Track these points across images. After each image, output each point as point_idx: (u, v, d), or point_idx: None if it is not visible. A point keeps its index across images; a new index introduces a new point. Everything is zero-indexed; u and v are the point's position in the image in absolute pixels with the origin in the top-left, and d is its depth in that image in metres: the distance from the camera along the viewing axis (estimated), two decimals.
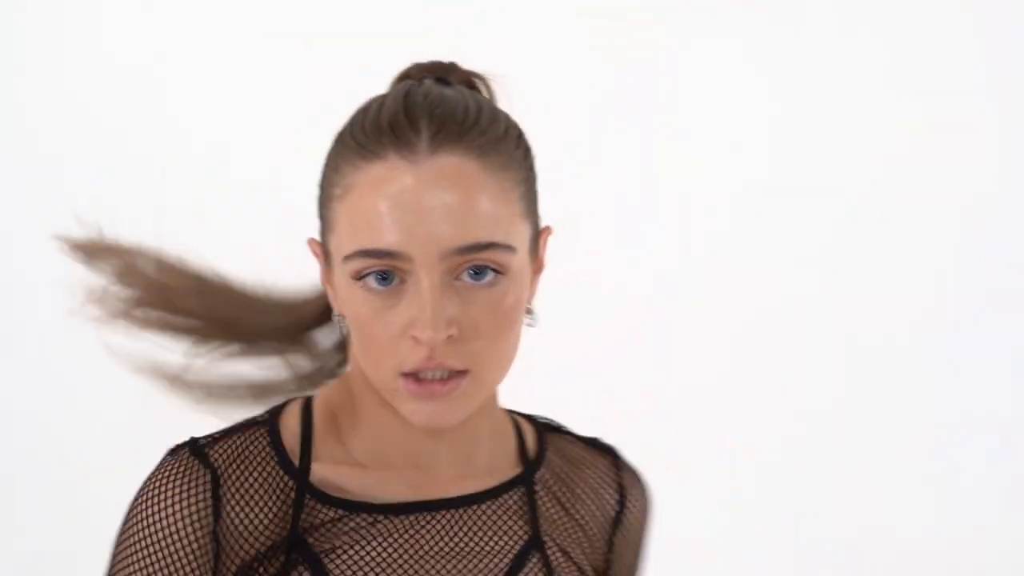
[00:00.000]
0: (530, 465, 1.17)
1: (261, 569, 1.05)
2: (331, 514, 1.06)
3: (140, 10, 2.60)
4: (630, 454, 2.49)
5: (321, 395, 1.14)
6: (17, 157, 2.62)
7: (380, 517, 1.07)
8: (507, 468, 1.15)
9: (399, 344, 1.00)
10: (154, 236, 2.38)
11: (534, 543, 1.13)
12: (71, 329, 2.60)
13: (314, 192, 1.09)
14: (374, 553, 1.06)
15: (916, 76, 2.58)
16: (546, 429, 1.22)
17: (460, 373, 1.01)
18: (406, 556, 1.07)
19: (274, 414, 1.12)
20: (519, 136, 1.07)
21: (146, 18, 2.60)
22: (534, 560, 1.12)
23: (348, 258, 1.01)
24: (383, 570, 1.06)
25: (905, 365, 2.61)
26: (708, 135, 2.61)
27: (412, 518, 1.08)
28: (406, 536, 1.08)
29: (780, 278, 2.59)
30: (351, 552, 1.06)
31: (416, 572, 1.07)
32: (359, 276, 1.01)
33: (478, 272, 1.01)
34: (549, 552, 1.13)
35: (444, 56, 1.12)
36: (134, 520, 1.06)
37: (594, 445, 1.24)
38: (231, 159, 2.60)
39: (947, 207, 2.60)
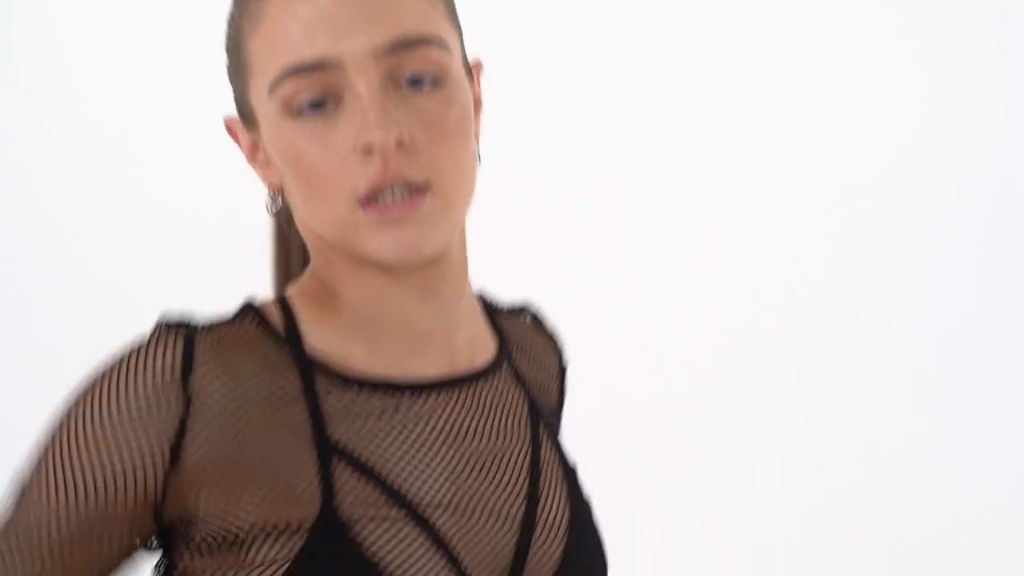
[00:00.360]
0: (502, 337, 1.11)
1: (289, 474, 0.92)
2: (350, 397, 0.96)
3: (146, 8, 2.60)
4: (636, 448, 2.49)
5: (293, 289, 1.03)
6: (22, 157, 2.62)
7: (404, 399, 0.98)
8: (488, 341, 1.08)
9: (348, 167, 0.92)
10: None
11: (535, 414, 1.07)
12: (74, 327, 2.61)
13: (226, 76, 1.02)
14: (412, 440, 0.97)
15: (917, 53, 2.58)
16: (484, 303, 1.15)
17: (420, 191, 0.93)
18: (442, 441, 0.98)
19: (248, 308, 1.00)
20: None
21: (151, 16, 2.60)
22: (541, 429, 1.07)
23: (275, 85, 0.93)
24: (427, 461, 0.97)
25: (903, 343, 2.61)
26: (704, 110, 2.61)
27: (434, 399, 0.99)
28: (435, 420, 0.99)
29: (778, 261, 2.59)
30: (388, 443, 0.96)
31: (455, 459, 0.98)
32: (290, 107, 0.93)
33: (418, 78, 0.94)
34: (544, 420, 1.09)
35: None
36: (90, 394, 0.93)
37: (522, 311, 1.18)
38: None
39: (943, 184, 2.59)
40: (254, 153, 1.01)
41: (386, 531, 0.93)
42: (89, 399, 0.93)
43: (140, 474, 0.91)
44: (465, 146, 0.97)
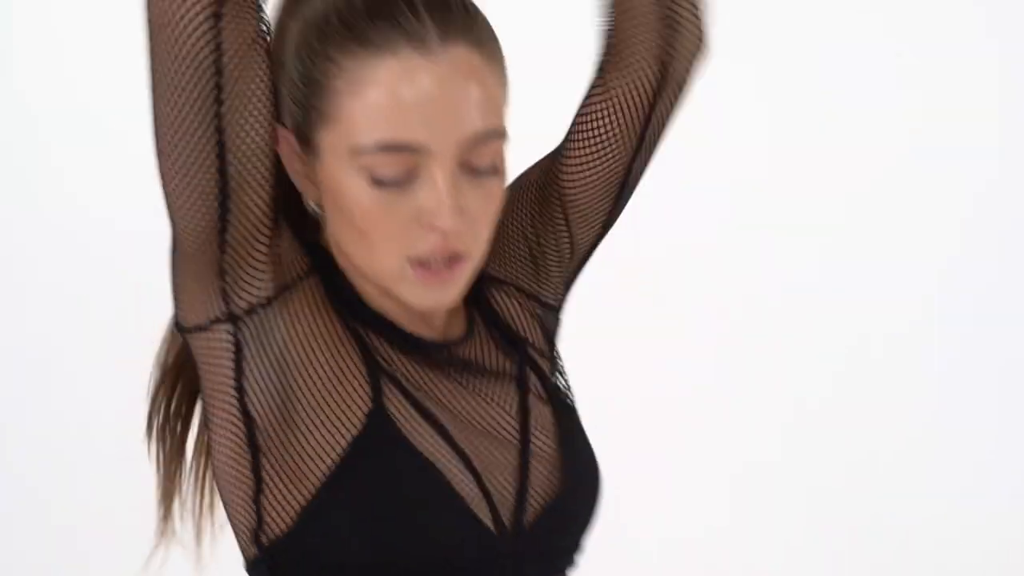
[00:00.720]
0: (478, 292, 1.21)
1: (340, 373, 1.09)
2: (385, 336, 1.12)
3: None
4: (628, 453, 2.50)
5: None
6: (19, 157, 2.62)
7: (416, 349, 1.13)
8: (460, 314, 1.20)
9: (409, 232, 1.05)
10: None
11: (520, 361, 1.19)
12: (73, 331, 2.61)
13: (288, 84, 1.09)
14: (426, 382, 1.12)
15: (920, 71, 2.58)
16: None
17: (460, 259, 1.07)
18: (442, 393, 1.13)
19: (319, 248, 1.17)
20: (490, 24, 1.11)
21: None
22: (528, 376, 1.19)
23: (363, 153, 1.04)
24: (440, 398, 1.12)
25: (905, 361, 2.62)
26: (704, 124, 2.61)
27: (432, 354, 1.14)
28: (435, 372, 1.14)
29: (778, 274, 2.59)
30: (414, 377, 1.12)
31: (457, 410, 1.13)
32: (370, 175, 1.04)
33: (481, 166, 1.07)
34: (529, 359, 1.20)
35: None
36: None
37: None
38: None
39: (948, 202, 2.59)
40: (294, 163, 1.10)
41: (427, 439, 1.08)
42: None
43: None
44: (496, 218, 1.11)
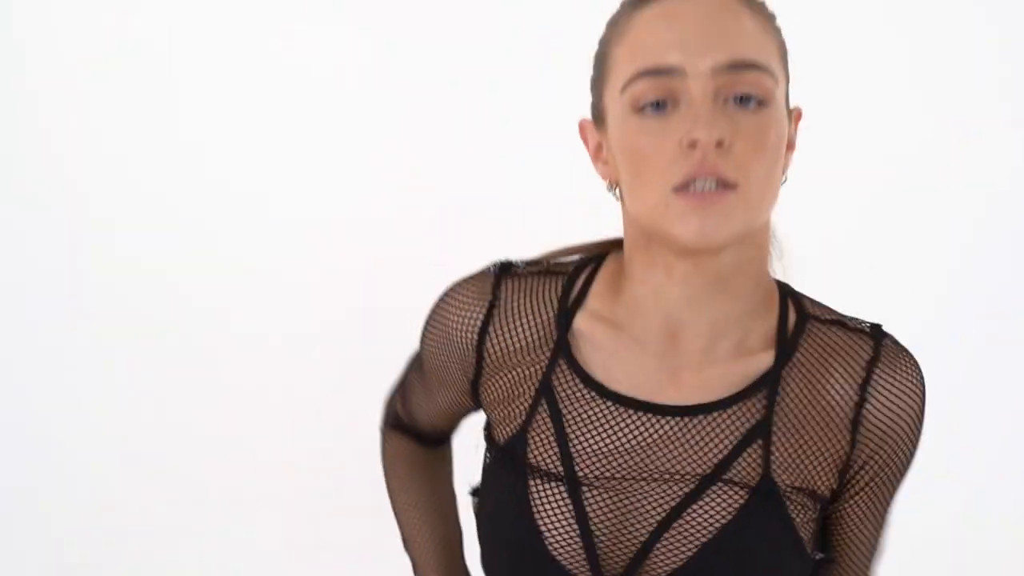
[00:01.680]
0: (781, 355, 1.22)
1: (517, 392, 1.25)
2: (573, 383, 1.23)
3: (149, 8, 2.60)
4: None
5: (613, 256, 1.29)
6: (25, 156, 2.62)
7: (611, 404, 1.21)
8: (758, 348, 1.22)
9: (672, 159, 1.10)
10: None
11: (724, 468, 1.20)
12: (75, 331, 2.61)
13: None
14: (602, 431, 1.20)
15: (930, 76, 2.58)
16: (812, 319, 1.26)
17: (728, 187, 1.10)
18: (626, 444, 1.20)
19: (579, 267, 1.29)
20: (772, 11, 1.19)
21: (153, 13, 2.60)
22: (718, 487, 1.19)
23: (628, 84, 1.13)
24: (606, 448, 1.20)
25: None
26: None
27: (641, 415, 1.20)
28: (632, 428, 1.20)
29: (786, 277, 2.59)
30: (585, 422, 1.21)
31: (630, 461, 1.20)
32: (636, 104, 1.12)
33: (744, 99, 1.11)
34: (736, 477, 1.20)
35: None
36: (436, 307, 1.32)
37: (859, 330, 1.25)
38: (235, 161, 2.60)
39: (962, 205, 2.59)
40: (598, 152, 1.22)
41: (546, 492, 1.20)
42: (431, 314, 1.34)
43: (456, 374, 1.33)
44: (775, 164, 1.14)
